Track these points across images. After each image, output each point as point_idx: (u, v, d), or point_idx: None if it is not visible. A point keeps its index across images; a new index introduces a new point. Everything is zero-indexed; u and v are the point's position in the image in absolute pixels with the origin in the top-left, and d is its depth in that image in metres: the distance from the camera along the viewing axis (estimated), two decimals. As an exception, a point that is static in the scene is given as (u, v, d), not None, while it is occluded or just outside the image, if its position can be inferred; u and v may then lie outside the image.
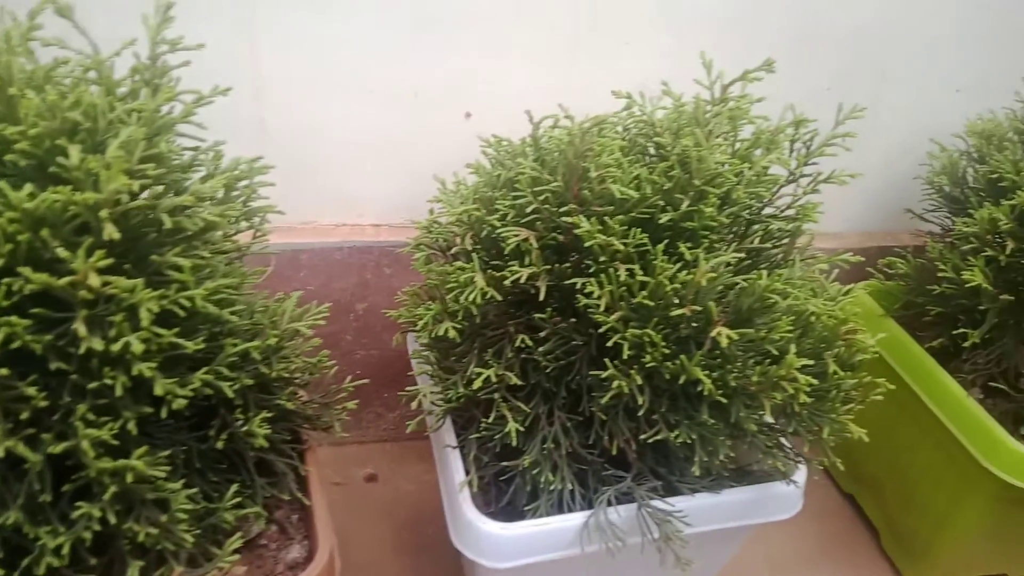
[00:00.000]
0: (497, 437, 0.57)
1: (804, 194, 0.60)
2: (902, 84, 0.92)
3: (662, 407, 0.54)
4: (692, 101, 0.57)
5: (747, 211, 0.54)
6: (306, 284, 0.84)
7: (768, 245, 0.56)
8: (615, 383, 0.50)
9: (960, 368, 0.81)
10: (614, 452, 0.57)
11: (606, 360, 0.51)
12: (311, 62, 0.75)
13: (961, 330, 0.77)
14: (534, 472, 0.58)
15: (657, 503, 0.57)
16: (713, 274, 0.49)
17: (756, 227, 0.56)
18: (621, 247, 0.50)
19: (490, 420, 0.56)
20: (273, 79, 0.75)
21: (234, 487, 0.47)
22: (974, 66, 0.92)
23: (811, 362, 0.50)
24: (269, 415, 0.48)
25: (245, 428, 0.46)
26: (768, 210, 0.60)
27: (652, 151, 0.57)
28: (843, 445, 0.99)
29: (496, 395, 0.56)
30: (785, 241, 0.58)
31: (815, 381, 0.49)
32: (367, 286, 0.86)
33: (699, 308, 0.48)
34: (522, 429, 0.54)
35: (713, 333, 0.47)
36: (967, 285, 0.74)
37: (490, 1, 0.76)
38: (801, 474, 0.63)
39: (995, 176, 0.77)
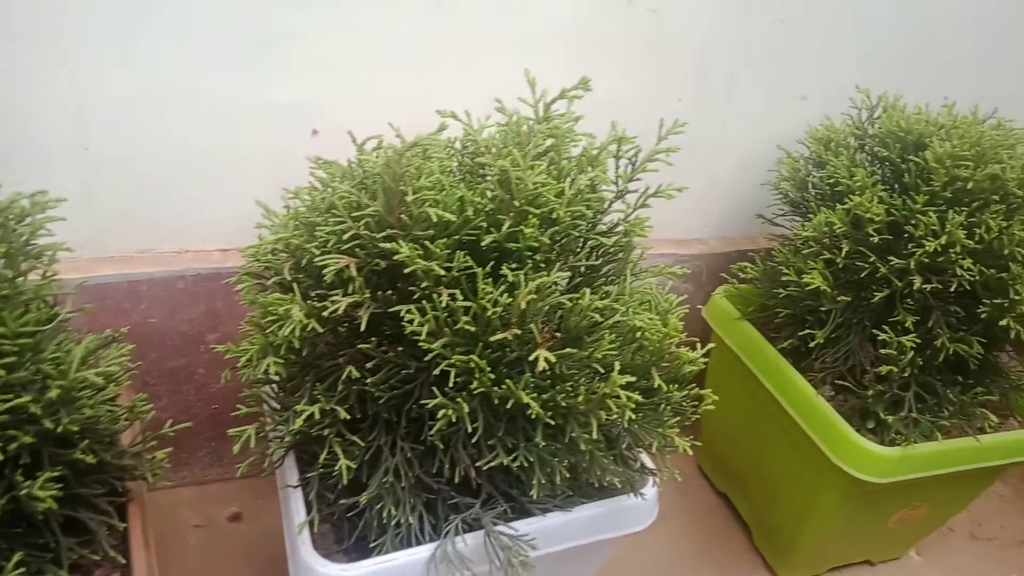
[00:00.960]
0: (336, 474, 0.55)
1: (633, 209, 0.60)
2: (751, 93, 0.95)
3: (500, 431, 0.53)
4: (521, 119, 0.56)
5: (575, 229, 0.54)
6: (148, 317, 0.79)
7: (598, 262, 0.55)
8: (441, 412, 0.48)
9: (811, 367, 0.84)
10: (456, 480, 0.55)
11: (435, 388, 0.50)
12: (139, 82, 0.71)
13: (807, 331, 0.80)
14: (377, 507, 0.55)
15: (503, 528, 0.56)
16: (534, 296, 0.48)
17: (588, 244, 0.56)
18: (443, 272, 0.48)
19: (323, 458, 0.53)
20: (96, 102, 0.70)
21: (18, 555, 0.43)
22: (816, 74, 0.96)
23: (634, 378, 0.49)
24: (57, 473, 0.43)
25: (25, 491, 0.42)
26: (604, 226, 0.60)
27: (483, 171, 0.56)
28: (712, 446, 1.03)
29: (328, 431, 0.53)
30: (620, 256, 0.58)
31: (638, 397, 0.49)
32: (217, 315, 0.82)
33: (519, 332, 0.47)
34: (353, 466, 0.52)
35: (532, 357, 0.46)
36: (808, 288, 0.77)
37: (336, 16, 0.74)
38: (650, 487, 0.63)
39: (832, 181, 0.80)
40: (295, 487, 0.59)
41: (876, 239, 0.74)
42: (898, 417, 0.77)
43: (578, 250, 0.55)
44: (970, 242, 0.70)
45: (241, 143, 0.77)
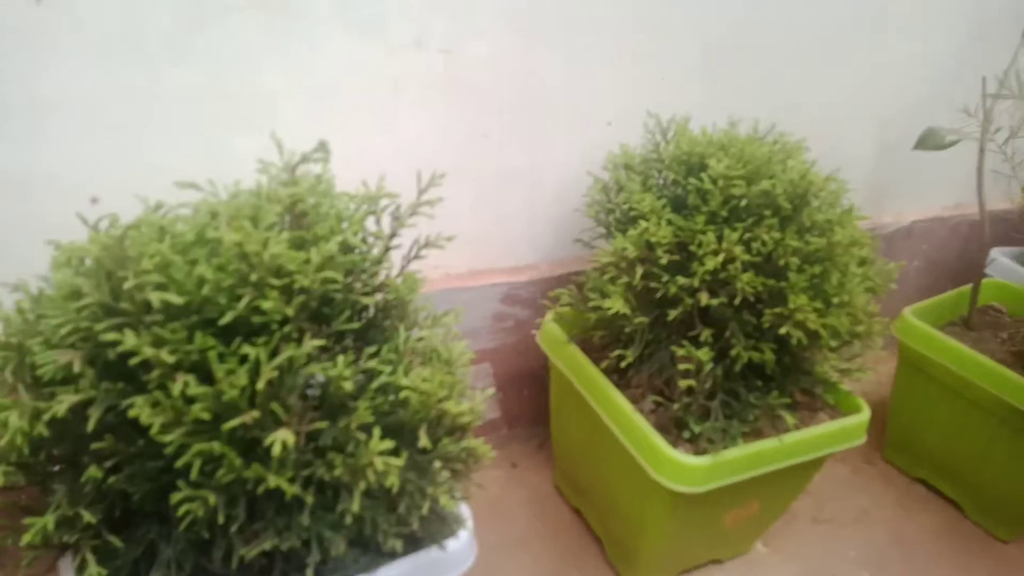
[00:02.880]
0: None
1: (407, 262, 0.60)
2: (559, 121, 0.97)
3: (270, 512, 0.51)
4: (264, 184, 0.55)
5: (335, 293, 0.53)
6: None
7: (358, 325, 0.55)
8: (184, 508, 0.46)
9: (630, 383, 0.86)
10: (234, 567, 0.53)
11: (180, 481, 0.47)
12: None
13: (617, 352, 0.82)
14: (151, 605, 0.52)
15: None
16: (275, 374, 0.46)
17: (351, 307, 0.55)
18: (172, 358, 0.46)
19: (74, 565, 0.49)
20: None
21: None
22: (619, 99, 0.99)
23: (393, 444, 0.49)
24: None
25: None
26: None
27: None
28: (563, 464, 1.05)
29: (80, 536, 0.50)
30: (394, 312, 0.58)
31: (399, 462, 0.48)
32: None
33: (258, 415, 0.45)
34: (104, 572, 0.48)
35: (269, 441, 0.45)
36: (609, 312, 0.79)
37: (106, 74, 0.70)
38: (456, 536, 0.63)
39: (627, 206, 0.83)
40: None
41: (665, 260, 0.76)
42: (708, 426, 0.80)
43: (338, 315, 0.53)
44: (747, 256, 0.74)
45: (5, 219, 0.72)
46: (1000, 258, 1.32)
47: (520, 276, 1.03)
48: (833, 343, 0.78)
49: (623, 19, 0.93)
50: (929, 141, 1.14)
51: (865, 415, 0.88)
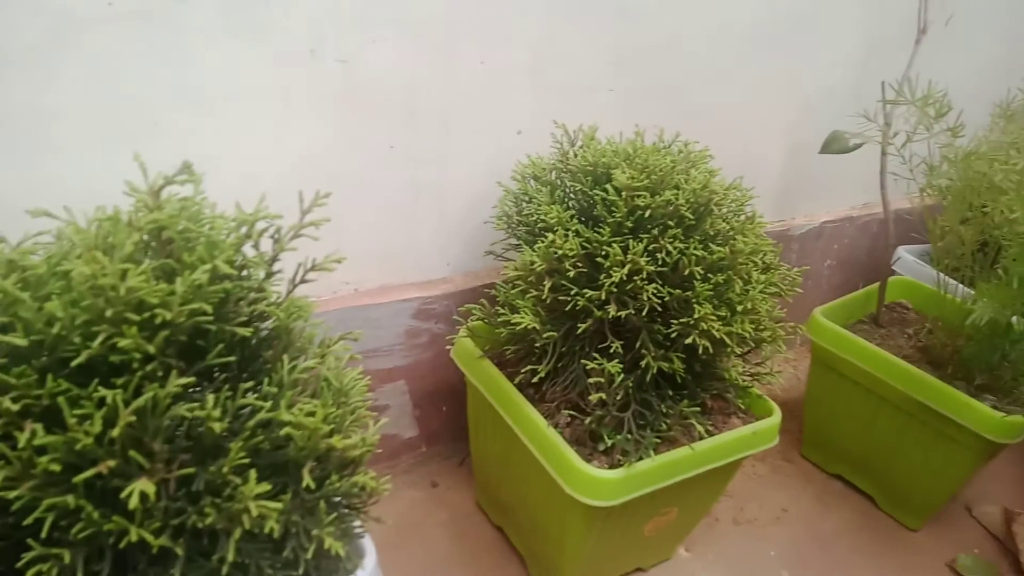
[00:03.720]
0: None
1: (292, 287, 0.57)
2: (468, 131, 0.95)
3: (141, 563, 0.47)
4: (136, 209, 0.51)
5: (210, 325, 0.49)
6: None
7: (234, 358, 0.51)
8: (32, 570, 0.42)
9: (545, 397, 0.85)
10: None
11: (30, 540, 0.43)
12: None
13: (529, 367, 0.81)
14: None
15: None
16: (133, 417, 0.43)
17: (226, 339, 0.52)
18: (16, 406, 0.42)
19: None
20: None
21: None
22: (528, 108, 0.98)
23: (269, 487, 0.46)
24: None
25: None
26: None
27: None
28: (484, 481, 1.03)
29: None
30: (276, 343, 0.55)
31: (277, 505, 0.45)
32: None
33: (112, 464, 0.42)
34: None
35: (125, 493, 0.41)
36: (519, 327, 0.77)
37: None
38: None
39: (535, 218, 0.82)
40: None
41: (573, 273, 0.75)
42: (622, 437, 0.79)
43: (212, 348, 0.50)
44: (652, 267, 0.74)
45: None
46: (905, 256, 1.37)
47: (434, 290, 1.01)
48: (739, 350, 0.78)
49: (531, 27, 0.92)
50: (834, 145, 1.17)
51: (776, 418, 0.89)
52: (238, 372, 0.53)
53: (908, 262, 1.36)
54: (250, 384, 0.50)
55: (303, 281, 0.57)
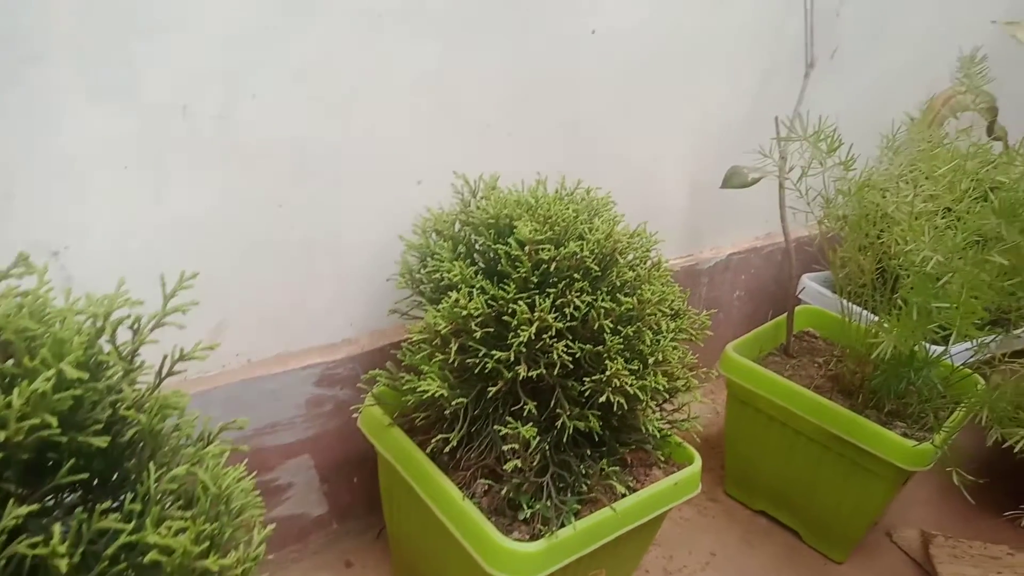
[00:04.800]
0: None
1: (156, 383, 0.50)
2: (362, 182, 0.90)
3: None
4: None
5: (60, 438, 0.42)
6: None
7: (85, 475, 0.44)
8: None
9: (460, 465, 0.80)
10: None
11: None
12: None
13: (440, 435, 0.76)
14: None
15: None
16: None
17: (97, 444, 0.45)
18: None
19: None
20: None
21: None
22: (427, 155, 0.94)
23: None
24: None
25: None
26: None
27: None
28: (400, 554, 0.96)
29: None
30: (142, 448, 0.48)
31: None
32: None
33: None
34: None
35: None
36: (424, 395, 0.72)
37: None
38: None
39: (438, 275, 0.77)
40: None
41: (480, 334, 0.71)
42: (542, 505, 0.75)
43: (66, 463, 0.43)
44: (561, 324, 0.71)
45: None
46: (810, 284, 1.40)
47: (337, 353, 0.94)
48: (653, 404, 0.75)
49: (425, 71, 0.88)
50: (734, 180, 1.19)
51: (696, 466, 0.87)
52: (97, 488, 0.46)
53: (813, 290, 1.39)
54: (107, 504, 0.43)
55: (171, 374, 0.51)
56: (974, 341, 0.95)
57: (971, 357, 1.09)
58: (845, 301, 1.10)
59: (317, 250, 0.89)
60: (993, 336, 0.98)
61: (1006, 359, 0.97)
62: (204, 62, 0.73)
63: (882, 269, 1.05)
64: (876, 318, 1.03)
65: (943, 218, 0.94)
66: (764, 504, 1.20)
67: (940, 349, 1.02)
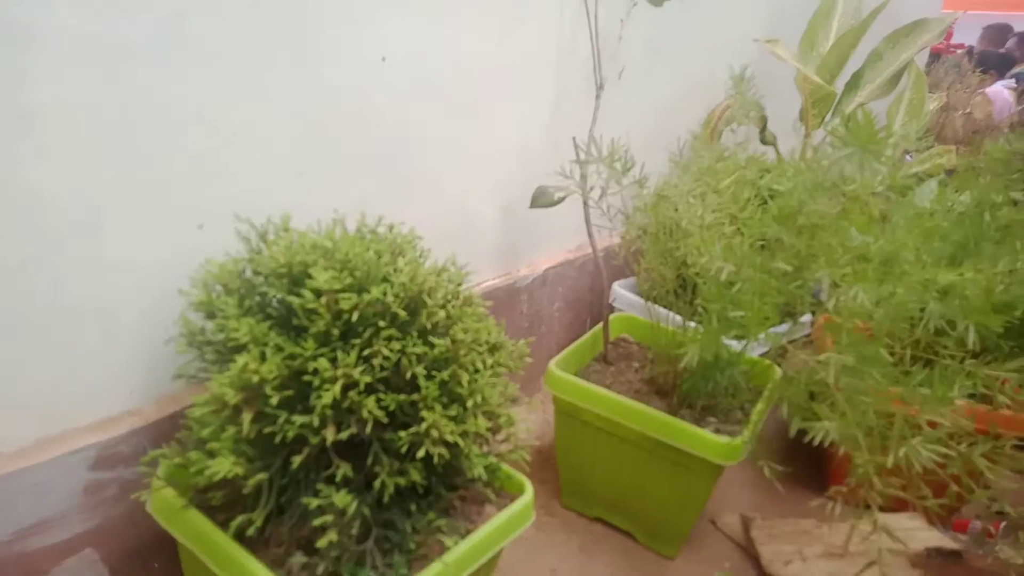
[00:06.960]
0: None
1: None
2: (131, 229, 0.78)
3: None
4: None
5: None
6: None
7: None
8: None
9: (271, 541, 0.72)
10: None
11: None
12: None
13: (243, 516, 0.67)
14: None
15: None
16: None
17: None
18: None
19: None
20: None
21: None
22: (208, 198, 0.84)
23: None
24: None
25: None
26: None
27: None
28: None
29: None
30: None
31: None
32: None
33: None
34: None
35: None
36: (216, 476, 0.64)
37: None
38: None
39: (223, 336, 0.69)
40: None
41: (276, 400, 0.64)
42: (365, 574, 0.69)
43: None
44: (369, 378, 0.65)
45: None
46: (620, 291, 1.45)
47: (117, 429, 0.82)
48: (476, 449, 0.72)
49: (202, 104, 0.79)
50: (541, 200, 1.20)
51: (528, 495, 0.85)
52: None
53: (623, 297, 1.44)
54: None
55: None
56: (763, 335, 1.02)
57: (766, 350, 1.18)
58: (652, 306, 1.14)
59: (78, 316, 0.76)
60: (782, 325, 1.06)
61: (794, 346, 1.05)
62: None
63: (682, 277, 1.10)
64: (682, 320, 1.08)
65: (730, 225, 1.00)
66: (600, 511, 1.22)
67: (739, 345, 1.08)
